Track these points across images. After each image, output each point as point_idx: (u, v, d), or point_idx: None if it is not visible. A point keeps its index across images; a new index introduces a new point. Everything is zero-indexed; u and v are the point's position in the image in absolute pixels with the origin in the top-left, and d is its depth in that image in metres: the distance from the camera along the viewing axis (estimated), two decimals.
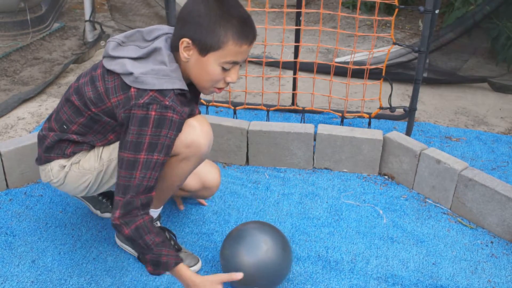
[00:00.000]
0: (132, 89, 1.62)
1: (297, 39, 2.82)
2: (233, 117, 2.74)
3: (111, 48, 1.72)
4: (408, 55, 3.45)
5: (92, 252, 1.96)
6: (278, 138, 2.44)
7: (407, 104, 2.99)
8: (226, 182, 2.37)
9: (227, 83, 1.69)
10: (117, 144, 1.75)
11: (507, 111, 3.18)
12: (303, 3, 2.68)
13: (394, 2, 2.56)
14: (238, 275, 1.68)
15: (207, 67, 1.63)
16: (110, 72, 1.69)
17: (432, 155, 2.27)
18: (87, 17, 3.72)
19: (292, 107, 2.90)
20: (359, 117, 2.84)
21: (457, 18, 3.70)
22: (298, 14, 2.76)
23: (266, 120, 2.80)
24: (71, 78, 3.35)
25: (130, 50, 1.70)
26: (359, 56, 3.64)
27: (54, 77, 3.27)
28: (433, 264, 1.99)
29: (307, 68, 3.16)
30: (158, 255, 1.62)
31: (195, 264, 1.92)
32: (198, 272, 1.90)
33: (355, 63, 3.18)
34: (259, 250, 1.74)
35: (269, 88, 3.26)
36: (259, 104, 2.86)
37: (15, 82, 3.23)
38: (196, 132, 1.71)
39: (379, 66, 2.78)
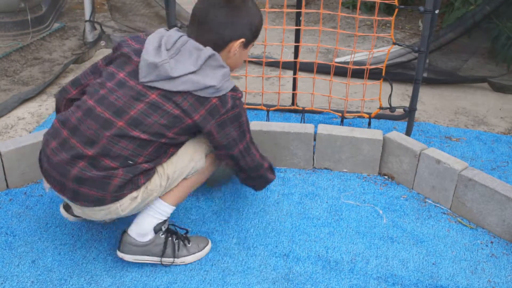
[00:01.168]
0: (214, 100, 1.72)
1: (297, 39, 2.82)
2: None
3: (169, 69, 1.68)
4: (408, 55, 3.45)
5: (92, 252, 1.96)
6: (278, 138, 2.44)
7: (407, 104, 2.99)
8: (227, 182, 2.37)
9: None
10: (178, 156, 1.82)
11: (507, 111, 3.18)
12: (303, 3, 2.68)
13: (394, 2, 2.56)
14: None
15: (244, 55, 1.90)
16: (175, 92, 1.69)
17: (432, 155, 2.27)
18: (87, 17, 3.72)
19: (292, 107, 2.90)
20: (359, 117, 2.84)
21: (457, 18, 3.70)
22: (298, 14, 2.76)
23: (266, 120, 2.80)
24: (71, 78, 3.34)
25: (184, 65, 1.70)
26: (359, 56, 3.64)
27: (54, 77, 3.27)
28: (433, 264, 1.99)
29: (307, 68, 3.16)
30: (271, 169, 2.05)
31: (205, 246, 1.98)
32: (206, 257, 1.97)
33: (355, 63, 3.18)
34: None
35: (269, 88, 3.26)
36: (259, 104, 2.86)
37: (15, 82, 3.23)
38: None
39: (379, 66, 2.78)
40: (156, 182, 1.77)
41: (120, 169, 1.68)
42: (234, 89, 1.78)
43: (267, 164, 2.01)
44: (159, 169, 1.79)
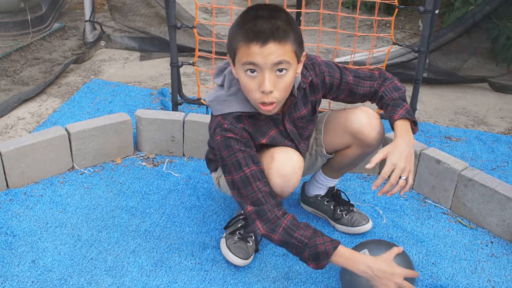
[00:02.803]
0: (212, 117, 1.78)
1: None
2: None
3: (214, 76, 1.81)
4: (408, 55, 3.45)
5: (92, 252, 1.96)
6: None
7: None
8: None
9: (264, 93, 1.60)
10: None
11: (507, 111, 3.18)
12: (303, 3, 2.68)
13: (394, 2, 2.57)
14: (415, 273, 1.67)
15: (239, 78, 1.64)
16: None
17: (432, 155, 2.27)
18: (87, 17, 3.72)
19: None
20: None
21: (457, 18, 3.71)
22: (298, 14, 2.76)
23: None
24: (71, 78, 3.35)
25: (221, 76, 1.78)
26: (359, 56, 3.64)
27: (54, 77, 3.27)
28: (433, 264, 1.99)
29: None
30: (314, 247, 1.62)
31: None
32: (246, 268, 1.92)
33: (355, 63, 3.18)
34: None
35: None
36: None
37: (15, 82, 3.23)
38: (273, 166, 1.72)
39: (379, 66, 2.78)
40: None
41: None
42: (224, 117, 1.69)
43: (249, 209, 1.68)
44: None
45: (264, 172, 1.71)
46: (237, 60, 1.61)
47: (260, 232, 1.67)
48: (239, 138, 1.68)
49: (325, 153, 1.97)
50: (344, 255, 1.63)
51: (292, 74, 1.63)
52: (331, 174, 2.11)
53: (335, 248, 1.62)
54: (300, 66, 1.69)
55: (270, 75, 1.58)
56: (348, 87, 1.88)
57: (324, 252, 1.61)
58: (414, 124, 1.78)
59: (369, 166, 1.69)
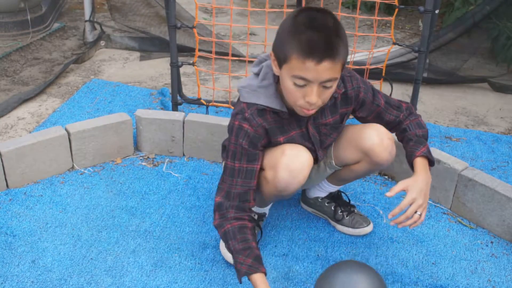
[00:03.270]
0: (239, 101, 1.78)
1: None
2: None
3: (252, 65, 1.82)
4: (408, 55, 3.45)
5: (92, 252, 1.96)
6: None
7: None
8: None
9: (310, 103, 1.62)
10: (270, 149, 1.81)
11: (507, 111, 3.18)
12: (303, 3, 2.68)
13: (394, 2, 2.56)
14: None
15: (283, 81, 1.64)
16: None
17: (432, 155, 2.26)
18: (87, 17, 3.72)
19: None
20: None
21: (457, 18, 3.70)
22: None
23: None
24: (71, 78, 3.35)
25: (259, 66, 1.79)
26: (359, 56, 3.64)
27: (54, 77, 3.27)
28: (433, 263, 1.99)
29: None
30: (235, 261, 1.67)
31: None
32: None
33: (355, 63, 3.18)
34: None
35: None
36: None
37: (15, 82, 3.23)
38: (283, 160, 1.74)
39: (379, 66, 2.78)
40: None
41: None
42: (249, 106, 1.72)
43: (216, 199, 1.76)
44: None
45: (255, 172, 1.74)
46: (286, 68, 1.60)
47: (213, 223, 1.76)
48: (250, 133, 1.71)
49: (334, 164, 1.98)
50: (255, 285, 1.63)
51: (336, 85, 1.65)
52: (334, 182, 2.12)
53: (247, 274, 1.63)
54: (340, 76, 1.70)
55: (318, 88, 1.59)
56: (378, 110, 1.90)
57: (238, 270, 1.66)
58: (431, 164, 1.83)
59: (389, 194, 1.74)
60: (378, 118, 1.92)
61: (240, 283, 1.67)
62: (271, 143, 1.79)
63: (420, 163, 1.80)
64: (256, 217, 2.02)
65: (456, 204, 2.24)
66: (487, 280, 1.93)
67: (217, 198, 1.76)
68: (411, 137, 1.88)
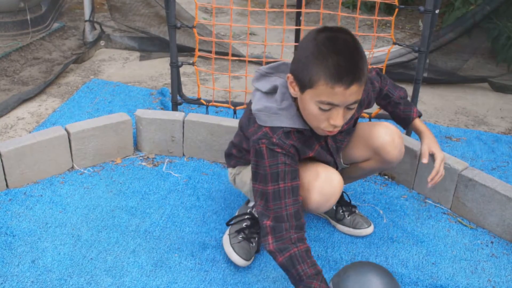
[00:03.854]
0: (256, 124, 1.71)
1: (297, 39, 2.82)
2: (233, 117, 2.74)
3: (253, 80, 1.78)
4: (408, 55, 3.44)
5: (92, 252, 1.96)
6: None
7: None
8: (227, 182, 2.37)
9: (334, 126, 1.61)
10: None
11: (507, 111, 3.18)
12: (303, 3, 2.68)
13: (394, 2, 2.56)
14: None
15: (306, 105, 1.61)
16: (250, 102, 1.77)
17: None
18: (87, 17, 3.72)
19: None
20: (360, 117, 2.84)
21: (457, 18, 3.70)
22: (298, 14, 2.76)
23: None
24: (71, 78, 3.35)
25: (266, 82, 1.75)
26: None
27: (54, 77, 3.27)
28: (433, 263, 1.99)
29: None
30: (308, 287, 1.59)
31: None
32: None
33: None
34: None
35: None
36: None
37: (15, 82, 3.22)
38: (317, 184, 1.72)
39: (379, 66, 2.78)
40: (246, 175, 1.91)
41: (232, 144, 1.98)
42: (274, 131, 1.67)
43: (267, 223, 1.66)
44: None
45: (299, 188, 1.69)
46: (311, 93, 1.57)
47: (267, 248, 1.65)
48: (287, 153, 1.67)
49: (342, 163, 1.98)
50: None
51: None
52: None
53: None
54: None
55: (343, 111, 1.59)
56: (373, 95, 1.95)
57: None
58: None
59: (425, 161, 1.88)
60: (371, 101, 1.97)
61: None
62: (300, 159, 1.77)
63: (420, 123, 1.97)
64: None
65: (456, 204, 2.24)
66: (487, 280, 1.92)
67: (267, 222, 1.65)
68: (398, 101, 2.00)
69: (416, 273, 1.94)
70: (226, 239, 1.97)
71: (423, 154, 1.88)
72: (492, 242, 2.10)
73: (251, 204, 2.04)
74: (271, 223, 1.64)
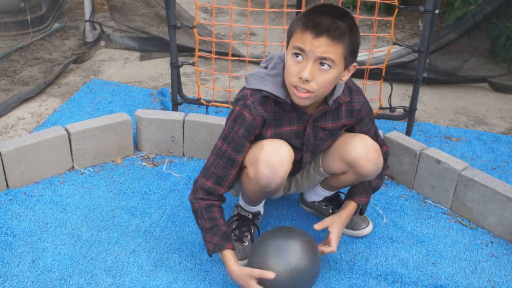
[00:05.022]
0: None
1: None
2: None
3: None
4: (408, 55, 3.44)
5: (92, 252, 1.96)
6: None
7: (407, 104, 2.99)
8: None
9: (302, 80, 1.62)
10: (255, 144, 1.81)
11: (507, 111, 3.18)
12: (303, 3, 2.68)
13: (394, 2, 2.56)
14: (270, 274, 1.69)
15: (286, 59, 1.67)
16: None
17: (432, 155, 2.27)
18: (87, 17, 3.72)
19: None
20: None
21: (457, 18, 3.70)
22: (298, 14, 2.76)
23: None
24: (71, 78, 3.35)
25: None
26: (359, 56, 3.61)
27: (54, 77, 3.27)
28: (433, 263, 1.99)
29: None
30: (204, 239, 1.81)
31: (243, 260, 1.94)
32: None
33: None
34: (290, 257, 1.72)
35: None
36: None
37: (15, 82, 3.23)
38: (262, 155, 1.73)
39: (379, 66, 2.78)
40: None
41: None
42: (252, 94, 1.75)
43: (199, 177, 1.83)
44: None
45: (235, 164, 1.77)
46: (290, 43, 1.65)
47: (189, 197, 1.85)
48: (248, 121, 1.74)
49: (322, 171, 1.98)
50: (224, 259, 1.80)
51: (335, 74, 1.64)
52: (327, 188, 2.11)
53: (214, 251, 1.80)
54: (347, 75, 1.71)
55: (313, 66, 1.61)
56: (365, 133, 1.93)
57: (207, 248, 1.81)
58: (360, 212, 2.01)
59: (317, 227, 1.87)
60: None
61: (211, 255, 1.83)
62: (259, 136, 1.79)
63: (352, 207, 1.95)
64: (250, 216, 2.02)
65: (456, 204, 2.24)
66: (487, 280, 1.93)
67: (200, 177, 1.82)
68: (367, 184, 1.98)
69: (416, 273, 1.94)
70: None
71: (321, 222, 1.88)
72: (492, 242, 2.10)
73: (240, 202, 2.04)
74: (200, 178, 1.82)
